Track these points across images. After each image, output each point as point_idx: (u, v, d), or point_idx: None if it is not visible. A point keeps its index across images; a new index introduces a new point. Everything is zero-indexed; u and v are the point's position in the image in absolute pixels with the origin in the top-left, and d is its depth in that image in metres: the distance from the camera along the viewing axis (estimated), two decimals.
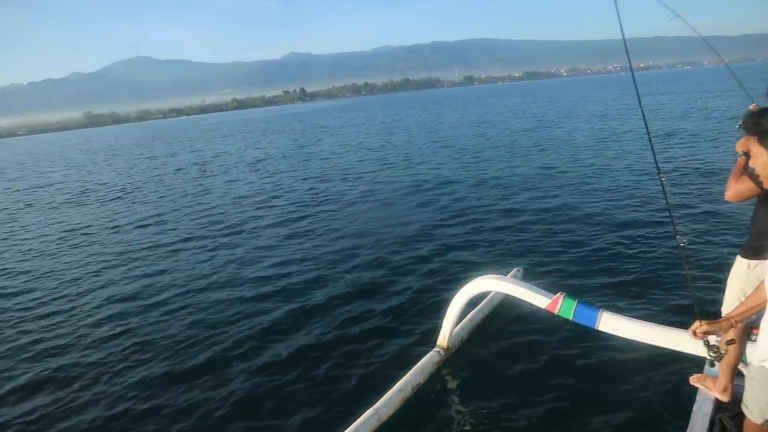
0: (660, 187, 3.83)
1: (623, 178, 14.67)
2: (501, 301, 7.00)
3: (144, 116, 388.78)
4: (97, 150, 64.31)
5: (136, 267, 10.85)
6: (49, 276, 10.99)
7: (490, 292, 6.75)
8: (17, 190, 28.70)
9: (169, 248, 12.15)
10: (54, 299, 9.42)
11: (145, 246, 12.60)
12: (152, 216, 16.30)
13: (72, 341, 7.49)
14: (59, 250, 13.31)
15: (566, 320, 5.13)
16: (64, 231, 15.58)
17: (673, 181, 13.24)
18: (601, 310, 5.03)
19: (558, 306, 5.15)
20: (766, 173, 2.63)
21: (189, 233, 13.35)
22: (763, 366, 2.66)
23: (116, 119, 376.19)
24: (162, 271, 10.33)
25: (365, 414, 4.82)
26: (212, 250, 11.59)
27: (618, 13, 4.29)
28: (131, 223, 15.48)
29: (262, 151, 35.52)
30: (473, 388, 5.49)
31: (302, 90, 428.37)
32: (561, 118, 37.38)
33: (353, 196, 16.14)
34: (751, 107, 4.14)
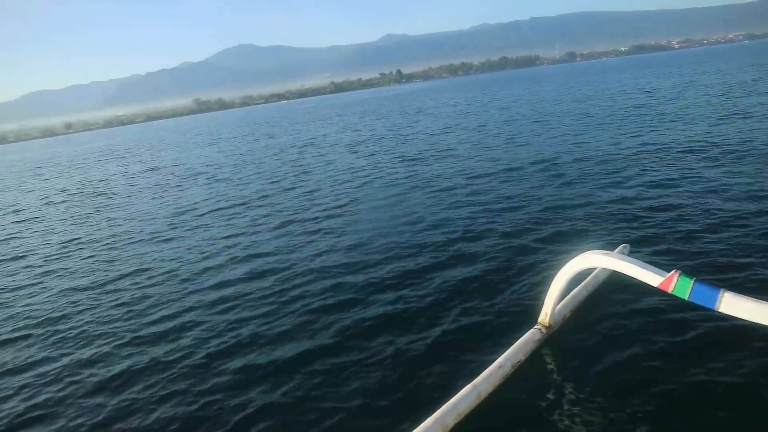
0: None
1: (755, 154, 13.41)
2: (607, 278, 6.67)
3: (247, 102, 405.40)
4: (205, 134, 67.96)
5: (242, 250, 11.25)
6: (163, 256, 11.75)
7: (595, 268, 6.43)
8: (134, 175, 30.88)
9: (272, 231, 12.53)
10: (165, 280, 9.97)
11: (248, 228, 13.11)
12: (255, 198, 16.96)
13: (181, 324, 7.79)
14: (171, 231, 14.18)
15: (681, 300, 4.77)
16: (175, 214, 16.57)
17: None
18: (722, 289, 4.62)
19: (672, 284, 4.78)
20: None
21: (291, 215, 13.70)
22: None
23: (222, 105, 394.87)
24: (266, 254, 10.64)
25: (464, 389, 4.76)
26: (314, 232, 11.80)
27: None
28: (236, 205, 16.14)
29: (359, 133, 35.87)
30: (575, 368, 5.28)
31: (398, 72, 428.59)
32: (674, 93, 34.81)
33: (452, 176, 15.91)
34: None
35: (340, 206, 13.95)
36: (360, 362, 5.87)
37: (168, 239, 13.13)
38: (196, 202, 17.65)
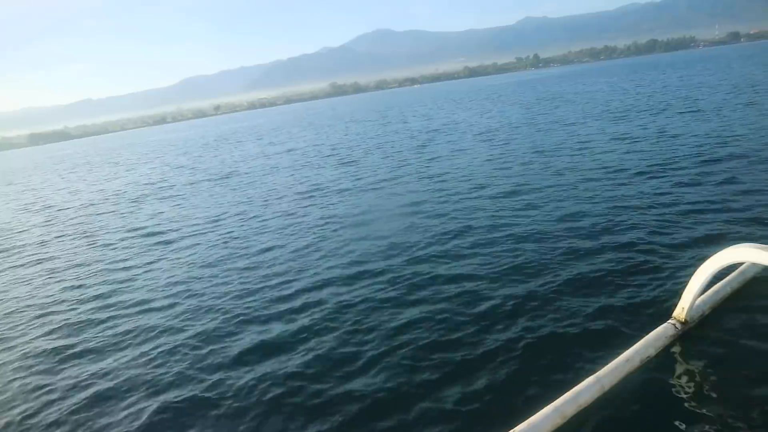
0: None
1: None
2: (756, 274, 6.11)
3: (381, 85, 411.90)
4: (339, 117, 70.31)
5: (361, 231, 11.69)
6: (287, 232, 12.50)
7: (742, 263, 5.90)
8: (268, 155, 32.62)
9: (395, 214, 12.77)
10: (291, 259, 10.50)
11: (369, 210, 13.51)
12: (381, 181, 17.34)
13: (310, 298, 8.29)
14: (298, 207, 15.00)
15: None
16: (304, 195, 17.49)
17: None
18: None
19: None
20: None
21: (417, 200, 13.79)
22: None
23: (357, 88, 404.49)
24: (384, 237, 10.88)
25: (587, 380, 4.61)
26: (442, 215, 11.92)
27: None
28: (363, 190, 16.54)
29: (492, 120, 34.80)
30: (709, 370, 4.93)
31: (535, 56, 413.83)
32: None
33: (591, 170, 14.95)
34: None
35: (467, 198, 13.74)
36: (488, 346, 5.86)
37: (291, 218, 13.82)
38: (323, 184, 18.42)
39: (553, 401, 4.43)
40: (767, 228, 8.06)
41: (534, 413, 4.35)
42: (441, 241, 9.98)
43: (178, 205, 18.82)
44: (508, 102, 51.68)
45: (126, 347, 7.32)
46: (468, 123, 34.76)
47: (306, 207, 14.95)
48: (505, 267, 8.13)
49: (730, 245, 5.06)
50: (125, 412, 5.64)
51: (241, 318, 7.67)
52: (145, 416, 5.51)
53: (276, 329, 7.10)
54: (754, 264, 5.77)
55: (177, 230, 14.57)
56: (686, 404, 4.51)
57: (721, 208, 9.47)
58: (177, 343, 7.19)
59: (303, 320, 7.22)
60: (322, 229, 12.16)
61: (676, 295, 5.53)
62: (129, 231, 15.41)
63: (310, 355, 6.22)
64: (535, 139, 22.54)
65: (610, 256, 7.83)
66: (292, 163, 25.97)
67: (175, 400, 5.74)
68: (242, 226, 13.83)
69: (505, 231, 10.02)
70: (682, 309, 5.33)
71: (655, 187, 11.72)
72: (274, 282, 9.03)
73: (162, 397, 5.83)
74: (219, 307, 8.26)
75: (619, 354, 4.93)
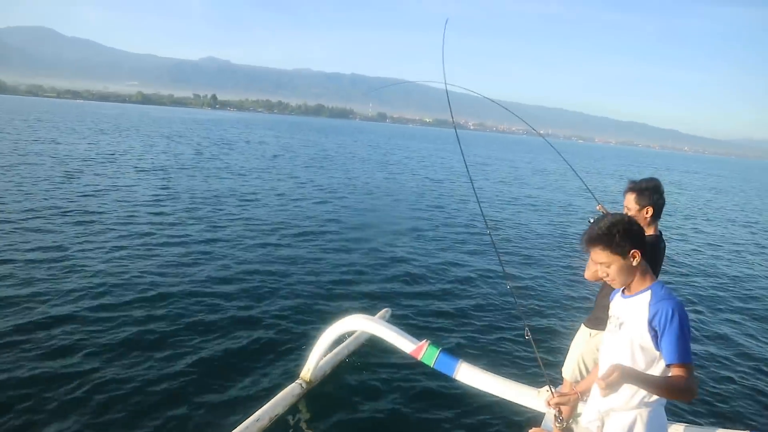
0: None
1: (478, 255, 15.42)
2: (367, 339, 7.21)
3: (34, 91, 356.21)
4: None
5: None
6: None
7: (355, 331, 6.84)
8: None
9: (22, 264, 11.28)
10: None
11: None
12: (18, 217, 15.00)
13: None
14: None
15: (429, 367, 5.46)
16: None
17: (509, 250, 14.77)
18: (460, 360, 5.41)
19: (422, 352, 5.46)
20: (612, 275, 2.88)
21: (56, 243, 12.25)
22: (588, 428, 3.07)
23: (1, 88, 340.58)
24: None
25: None
26: (80, 267, 10.90)
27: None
28: None
29: (160, 157, 32.72)
30: (330, 422, 5.62)
31: (213, 96, 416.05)
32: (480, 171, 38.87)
33: (240, 220, 15.37)
34: (597, 208, 4.77)
35: (116, 244, 12.72)
36: (96, 408, 5.54)
37: None
38: None
39: None
40: (376, 300, 9.41)
41: None
42: (73, 294, 8.64)
43: None
44: (180, 139, 50.29)
45: None
46: (132, 155, 32.21)
47: None
48: (124, 333, 7.49)
49: (347, 315, 6.00)
50: None
51: None
52: None
53: None
54: (364, 332, 6.84)
55: None
56: None
57: (344, 279, 10.62)
58: None
59: None
60: None
61: (303, 357, 6.20)
62: None
63: None
64: (197, 185, 21.90)
65: (243, 322, 8.05)
66: None
67: None
68: None
69: (137, 285, 9.24)
70: (307, 370, 6.00)
71: (292, 254, 12.18)
72: None
73: None
74: None
75: (251, 414, 5.24)
